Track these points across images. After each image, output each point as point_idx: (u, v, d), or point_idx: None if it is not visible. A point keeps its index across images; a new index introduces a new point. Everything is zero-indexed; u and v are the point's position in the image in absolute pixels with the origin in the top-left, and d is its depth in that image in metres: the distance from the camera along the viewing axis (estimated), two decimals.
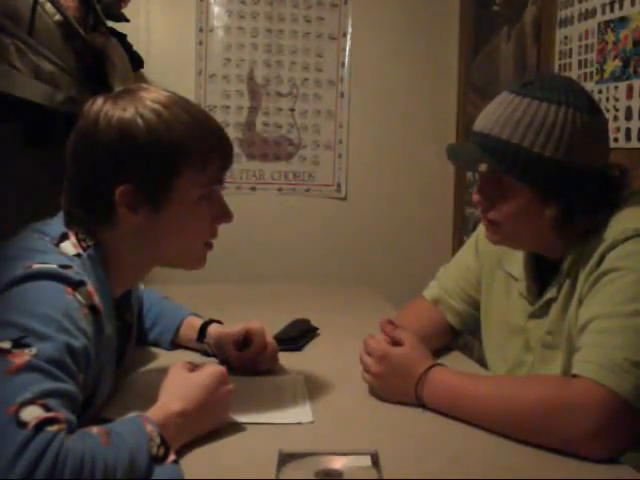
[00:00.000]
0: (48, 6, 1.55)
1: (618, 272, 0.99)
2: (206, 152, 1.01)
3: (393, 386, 1.09)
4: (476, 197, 1.15)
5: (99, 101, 0.99)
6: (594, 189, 1.06)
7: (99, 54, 2.05)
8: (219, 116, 2.89)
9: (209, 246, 1.08)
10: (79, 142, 1.00)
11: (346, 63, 3.04)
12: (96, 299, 0.92)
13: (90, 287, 0.91)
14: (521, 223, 1.11)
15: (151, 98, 0.99)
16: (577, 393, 0.93)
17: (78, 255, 0.95)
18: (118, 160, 0.97)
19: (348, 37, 3.03)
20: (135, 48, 2.55)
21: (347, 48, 3.03)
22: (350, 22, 3.02)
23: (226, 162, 1.06)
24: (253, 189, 3.01)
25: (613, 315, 0.96)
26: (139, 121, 0.96)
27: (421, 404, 1.06)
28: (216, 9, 2.95)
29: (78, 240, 0.97)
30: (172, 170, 0.99)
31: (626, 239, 1.01)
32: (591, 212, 1.06)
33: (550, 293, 1.14)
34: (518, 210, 1.09)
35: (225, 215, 1.07)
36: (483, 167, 1.10)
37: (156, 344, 1.36)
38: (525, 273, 1.21)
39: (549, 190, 1.07)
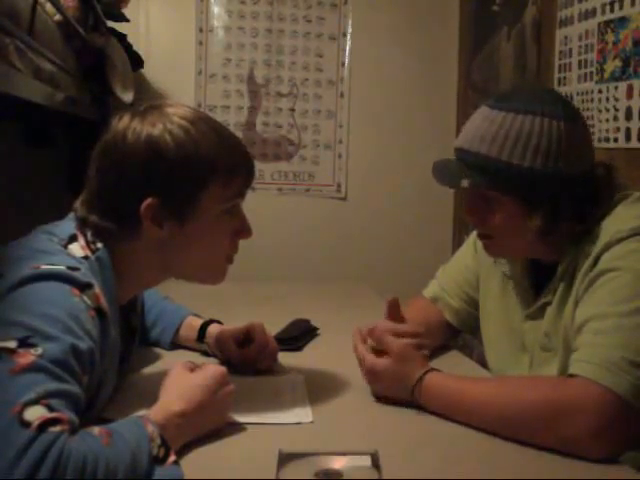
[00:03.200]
0: (48, 6, 1.56)
1: (614, 272, 0.99)
2: (232, 168, 1.03)
3: (389, 391, 1.09)
4: (467, 214, 1.16)
5: (126, 117, 1.01)
6: (579, 194, 1.06)
7: (99, 54, 2.05)
8: (219, 116, 2.89)
9: (229, 260, 1.09)
10: (106, 156, 1.00)
11: (346, 63, 3.04)
12: (103, 302, 0.92)
13: (97, 290, 0.91)
14: (510, 234, 1.12)
15: (178, 114, 1.01)
16: (575, 393, 0.92)
17: (86, 257, 0.95)
18: (146, 175, 0.98)
19: (348, 37, 3.03)
20: (135, 48, 2.55)
21: (347, 48, 3.03)
22: (350, 22, 3.02)
23: (250, 178, 1.08)
24: (253, 189, 2.98)
25: (609, 315, 0.96)
26: (168, 137, 0.98)
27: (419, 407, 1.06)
28: (216, 9, 2.95)
29: (87, 242, 0.98)
30: (198, 185, 1.00)
31: (621, 239, 1.01)
32: (576, 218, 1.06)
33: (545, 296, 1.14)
34: (505, 222, 1.10)
35: (245, 230, 1.09)
36: (465, 183, 1.10)
37: (156, 344, 1.37)
38: (521, 275, 1.22)
39: (532, 200, 1.07)
